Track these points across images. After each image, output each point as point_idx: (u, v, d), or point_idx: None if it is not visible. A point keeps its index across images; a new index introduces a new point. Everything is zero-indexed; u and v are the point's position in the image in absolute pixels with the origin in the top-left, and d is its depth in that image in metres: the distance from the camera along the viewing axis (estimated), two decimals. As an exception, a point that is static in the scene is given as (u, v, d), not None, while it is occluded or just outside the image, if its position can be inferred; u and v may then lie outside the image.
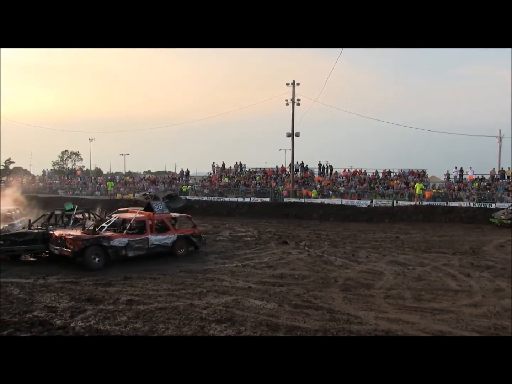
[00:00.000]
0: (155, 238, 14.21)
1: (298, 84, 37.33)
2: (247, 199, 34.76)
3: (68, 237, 12.94)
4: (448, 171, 36.73)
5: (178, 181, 43.59)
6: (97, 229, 13.59)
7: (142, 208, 16.06)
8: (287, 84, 37.49)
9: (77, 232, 13.56)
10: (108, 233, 13.62)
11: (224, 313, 8.50)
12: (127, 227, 14.11)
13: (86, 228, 13.79)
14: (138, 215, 14.66)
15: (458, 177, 35.49)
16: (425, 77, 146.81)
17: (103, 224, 14.12)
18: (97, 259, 12.87)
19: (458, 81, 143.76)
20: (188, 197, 35.67)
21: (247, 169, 44.37)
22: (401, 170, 39.03)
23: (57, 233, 13.62)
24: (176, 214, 16.76)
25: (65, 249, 12.84)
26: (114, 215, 15.43)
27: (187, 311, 8.67)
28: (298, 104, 37.45)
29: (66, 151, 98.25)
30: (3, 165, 75.24)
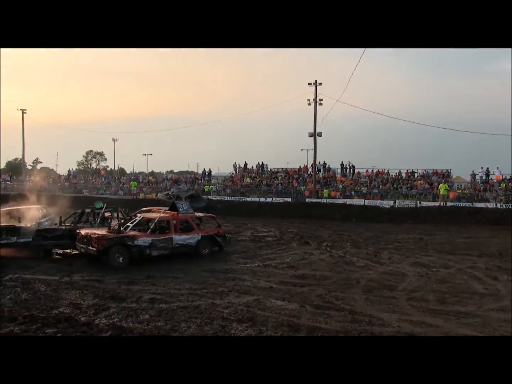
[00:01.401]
0: (179, 238, 14.30)
1: (320, 83, 37.11)
2: (269, 199, 34.72)
3: (94, 236, 13.21)
4: (473, 171, 36.04)
5: (200, 181, 43.83)
6: (122, 228, 13.84)
7: (167, 208, 16.15)
8: (309, 84, 37.29)
9: (102, 231, 13.82)
10: (132, 233, 13.84)
11: (246, 313, 8.51)
12: (151, 227, 14.16)
13: (112, 227, 14.07)
14: (162, 215, 14.75)
15: (484, 177, 34.76)
16: (450, 76, 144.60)
17: (128, 224, 14.45)
18: (121, 258, 13.13)
19: (485, 79, 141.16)
20: (210, 197, 35.80)
21: (269, 169, 44.34)
22: (425, 170, 38.47)
23: (83, 231, 13.94)
24: (201, 214, 16.80)
25: (91, 248, 13.13)
26: (138, 215, 15.63)
27: (208, 310, 8.71)
28: (321, 104, 37.24)
29: (91, 151, 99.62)
30: (30, 165, 76.88)
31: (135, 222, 14.60)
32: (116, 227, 13.93)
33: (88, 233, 13.65)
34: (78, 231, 14.32)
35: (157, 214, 15.13)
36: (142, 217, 15.05)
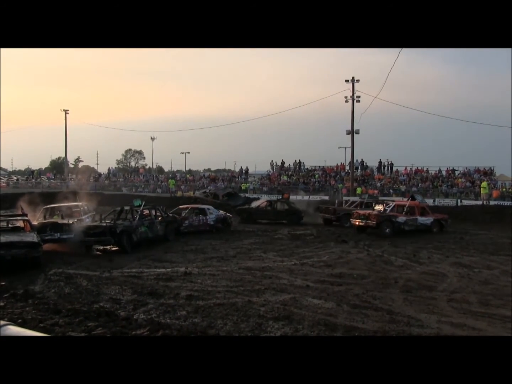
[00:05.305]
0: (420, 219, 20.50)
1: (358, 80, 36.63)
2: (306, 197, 34.58)
3: (372, 213, 19.78)
4: (518, 169, 34.86)
5: (237, 179, 44.08)
6: (382, 210, 20.23)
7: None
8: (347, 81, 36.84)
9: (374, 212, 20.15)
10: (394, 213, 20.20)
11: (282, 311, 8.47)
12: (405, 210, 20.32)
13: (377, 210, 20.39)
14: (410, 202, 21.29)
15: (529, 175, 33.57)
16: (493, 71, 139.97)
17: (386, 207, 20.61)
18: (387, 229, 19.45)
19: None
20: (247, 195, 35.95)
21: (306, 167, 44.15)
22: (466, 168, 37.45)
23: (360, 212, 20.74)
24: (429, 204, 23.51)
25: (369, 221, 19.51)
26: (390, 202, 22.40)
27: (245, 307, 8.71)
28: (358, 101, 36.77)
29: (130, 150, 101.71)
30: (72, 164, 79.24)
31: (391, 206, 20.77)
32: (382, 209, 20.28)
33: (365, 212, 20.34)
34: (354, 211, 21.39)
35: (406, 202, 21.56)
36: (395, 204, 21.40)
